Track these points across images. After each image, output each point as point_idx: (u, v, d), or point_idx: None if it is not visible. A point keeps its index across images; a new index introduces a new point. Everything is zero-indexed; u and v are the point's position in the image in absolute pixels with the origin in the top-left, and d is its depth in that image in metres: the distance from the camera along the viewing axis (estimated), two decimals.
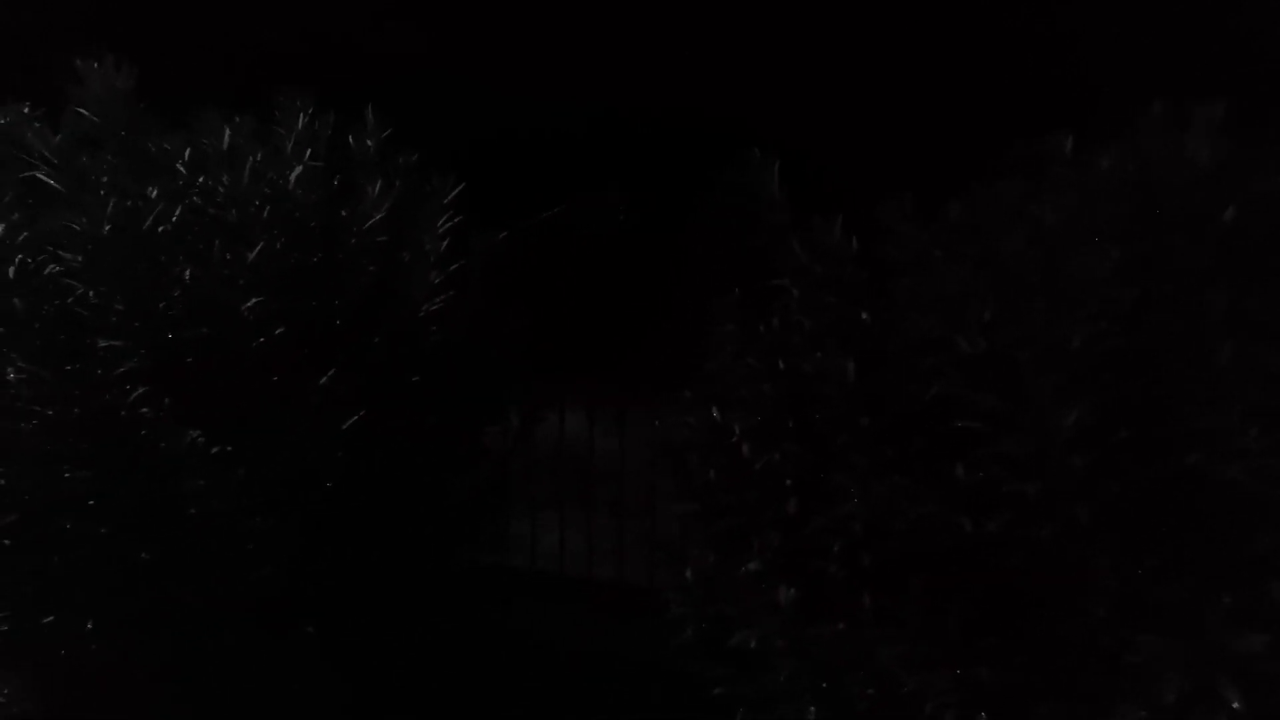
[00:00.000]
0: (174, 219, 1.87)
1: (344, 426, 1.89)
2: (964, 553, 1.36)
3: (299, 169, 1.86)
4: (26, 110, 2.50)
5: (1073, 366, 1.25)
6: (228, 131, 1.88)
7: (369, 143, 2.02)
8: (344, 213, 1.95)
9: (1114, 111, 1.47)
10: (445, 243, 1.99)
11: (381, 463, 2.05)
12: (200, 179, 1.90)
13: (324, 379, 1.86)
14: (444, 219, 2.00)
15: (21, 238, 1.84)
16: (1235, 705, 1.08)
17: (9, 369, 1.83)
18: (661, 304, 2.37)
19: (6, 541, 1.94)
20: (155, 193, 1.87)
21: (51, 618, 1.97)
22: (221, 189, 1.85)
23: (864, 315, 1.47)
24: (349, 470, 1.97)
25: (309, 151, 1.92)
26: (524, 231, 2.34)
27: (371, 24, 2.76)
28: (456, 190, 2.01)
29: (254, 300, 1.77)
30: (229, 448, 1.80)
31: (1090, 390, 1.24)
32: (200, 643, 1.99)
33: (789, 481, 1.57)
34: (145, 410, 1.79)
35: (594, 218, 2.58)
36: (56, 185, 1.90)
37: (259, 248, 1.78)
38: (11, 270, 1.82)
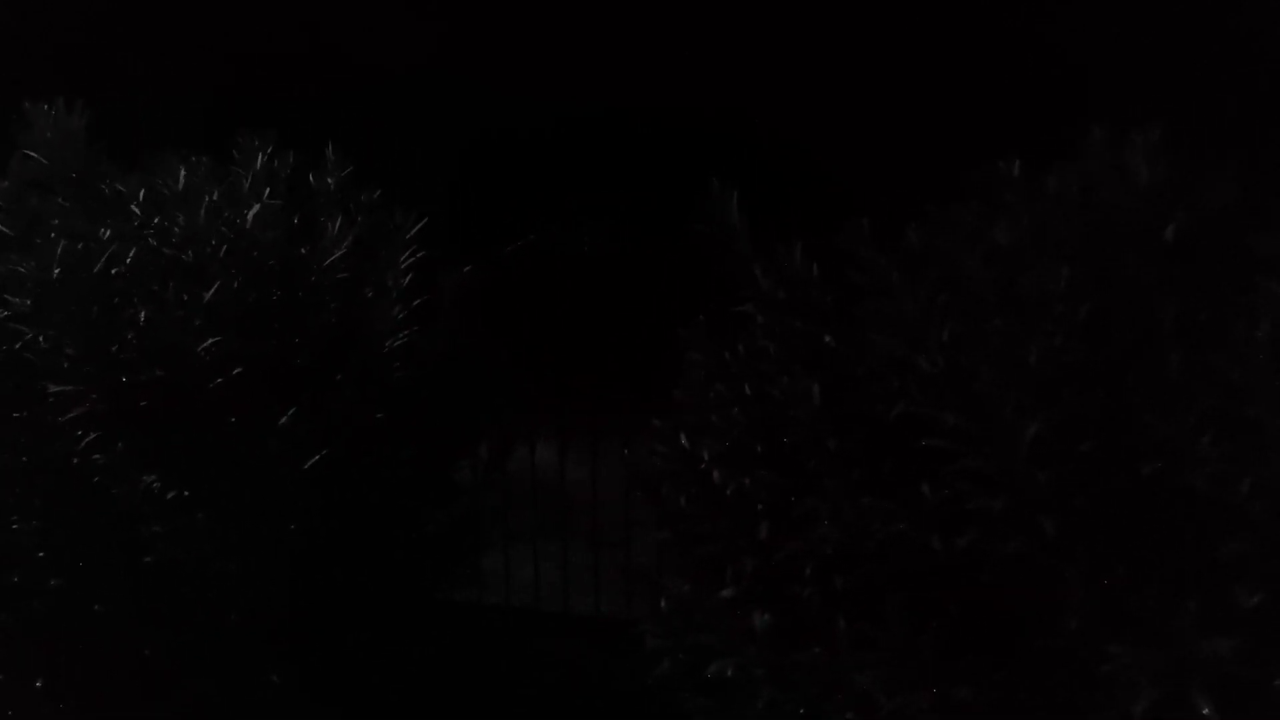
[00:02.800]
0: (128, 260, 1.83)
1: (305, 467, 1.85)
2: (936, 571, 1.36)
3: (256, 207, 1.84)
4: None
5: (1032, 381, 1.27)
6: (183, 171, 1.85)
7: (329, 180, 2.01)
8: (304, 250, 1.93)
9: (1063, 134, 1.53)
10: (409, 278, 1.98)
11: (348, 502, 2.01)
12: (155, 219, 1.87)
13: (284, 419, 1.82)
14: (407, 254, 1.99)
15: None
16: (1206, 711, 1.09)
17: None
18: (630, 332, 2.38)
19: None
20: (108, 234, 1.83)
21: (1, 677, 1.89)
22: (177, 229, 1.82)
23: (828, 339, 1.49)
24: (314, 511, 1.92)
25: (267, 190, 1.90)
26: (491, 263, 2.33)
27: (331, 43, 2.76)
28: (419, 225, 2.01)
29: (210, 340, 1.74)
30: (186, 492, 1.75)
31: (1050, 404, 1.26)
32: (166, 695, 1.91)
33: (760, 506, 1.56)
34: (98, 456, 1.73)
35: (561, 247, 2.59)
36: (4, 229, 1.86)
37: (215, 287, 1.75)
38: None
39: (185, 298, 1.75)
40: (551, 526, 2.88)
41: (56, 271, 1.73)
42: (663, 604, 1.72)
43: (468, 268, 2.11)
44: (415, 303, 2.00)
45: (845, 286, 1.52)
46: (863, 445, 1.42)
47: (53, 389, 1.75)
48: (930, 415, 1.32)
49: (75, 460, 1.75)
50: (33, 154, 1.85)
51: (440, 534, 2.36)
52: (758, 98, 2.44)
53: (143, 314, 1.79)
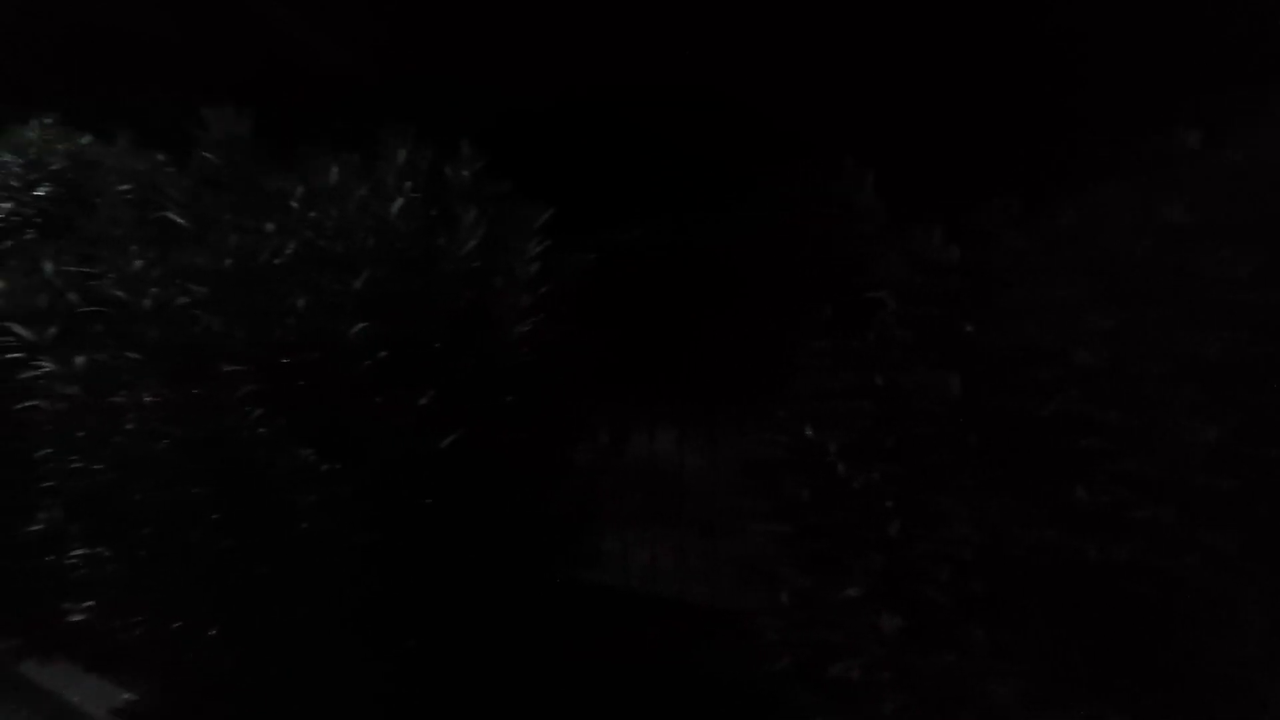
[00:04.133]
0: (288, 252, 1.99)
1: (441, 445, 1.95)
2: (1089, 583, 1.26)
3: (400, 201, 1.95)
4: (160, 157, 2.74)
5: (1209, 378, 1.14)
6: (335, 168, 1.99)
7: (464, 173, 2.09)
8: (441, 241, 2.02)
9: (1245, 100, 1.35)
10: (535, 266, 2.03)
11: (477, 479, 2.10)
12: (311, 213, 2.01)
13: (423, 400, 1.92)
14: (534, 243, 2.04)
15: (156, 273, 2.01)
16: None
17: (144, 393, 1.99)
18: (751, 320, 2.33)
19: (142, 552, 2.11)
20: (271, 228, 2.00)
21: (179, 624, 2.12)
22: (330, 222, 1.96)
23: (968, 327, 1.40)
24: (447, 487, 2.02)
25: (409, 184, 2.01)
26: (613, 251, 2.35)
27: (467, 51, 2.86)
28: (545, 216, 2.06)
29: (359, 326, 1.86)
30: (337, 465, 1.88)
31: (1229, 404, 1.13)
32: (310, 653, 2.08)
33: (889, 503, 1.50)
34: (262, 430, 1.90)
35: (680, 233, 2.57)
36: (184, 224, 2.07)
37: (364, 276, 1.87)
38: (147, 303, 1.99)
39: (337, 286, 1.88)
40: (667, 512, 2.89)
41: (228, 262, 1.91)
42: (783, 597, 1.70)
43: (590, 256, 2.14)
44: (541, 290, 2.06)
45: (987, 271, 1.42)
46: (1007, 442, 1.32)
47: (225, 368, 1.94)
48: (1088, 412, 1.21)
49: (243, 434, 1.92)
50: (208, 155, 2.04)
51: (559, 514, 2.43)
52: (883, 65, 2.28)
53: (301, 301, 1.94)
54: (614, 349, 2.24)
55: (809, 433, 1.54)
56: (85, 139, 3.38)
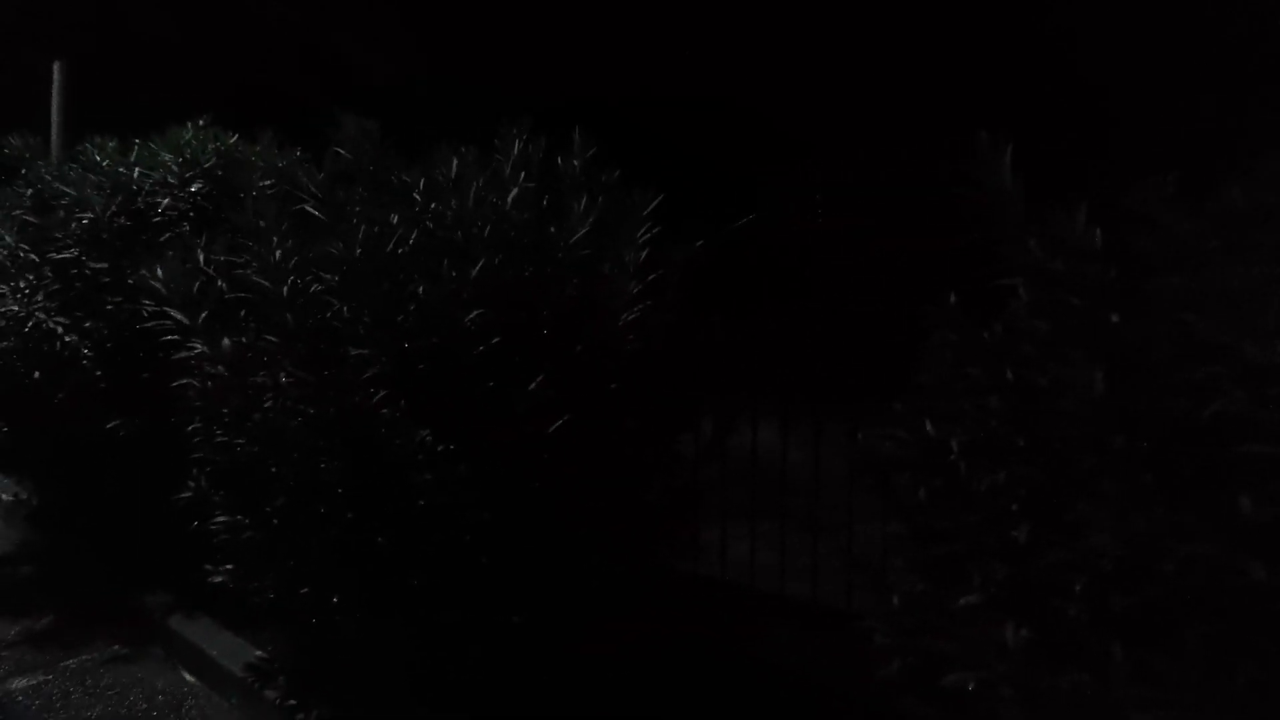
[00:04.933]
0: (410, 242, 2.09)
1: (549, 430, 1.99)
2: (1252, 605, 1.13)
3: (515, 191, 2.01)
4: (299, 154, 2.94)
5: None
6: (455, 161, 2.06)
7: (575, 162, 2.13)
8: (552, 229, 2.06)
9: None
10: (644, 254, 2.04)
11: (582, 464, 2.14)
12: (433, 205, 2.11)
13: (533, 385, 1.97)
14: (643, 231, 2.05)
15: (293, 262, 2.16)
16: None
17: (281, 374, 2.15)
18: (866, 310, 2.24)
19: (275, 521, 2.28)
20: (396, 219, 2.11)
21: (306, 589, 2.27)
22: (450, 213, 2.04)
23: (1114, 318, 1.28)
24: (553, 471, 2.07)
25: (522, 174, 2.06)
26: (722, 238, 2.32)
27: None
28: (655, 203, 2.06)
29: (476, 313, 1.93)
30: (452, 446, 1.97)
31: None
32: (422, 623, 2.18)
33: (1016, 507, 1.40)
34: (385, 411, 2.01)
35: (793, 219, 2.50)
36: (320, 216, 2.21)
37: (480, 264, 1.93)
38: (285, 290, 2.14)
39: (455, 274, 1.96)
40: (769, 507, 2.85)
41: (358, 252, 2.03)
42: (894, 601, 1.63)
43: (699, 243, 2.13)
44: (649, 278, 2.06)
45: (1138, 257, 1.29)
46: (1157, 446, 1.20)
47: (353, 352, 2.06)
48: (1256, 415, 1.08)
49: (368, 413, 2.04)
50: (341, 151, 2.16)
51: (660, 503, 2.43)
52: (1018, 27, 2.12)
53: (421, 289, 2.03)
54: (722, 338, 2.22)
55: (929, 429, 1.46)
56: (233, 138, 3.68)
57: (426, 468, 1.99)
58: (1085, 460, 1.25)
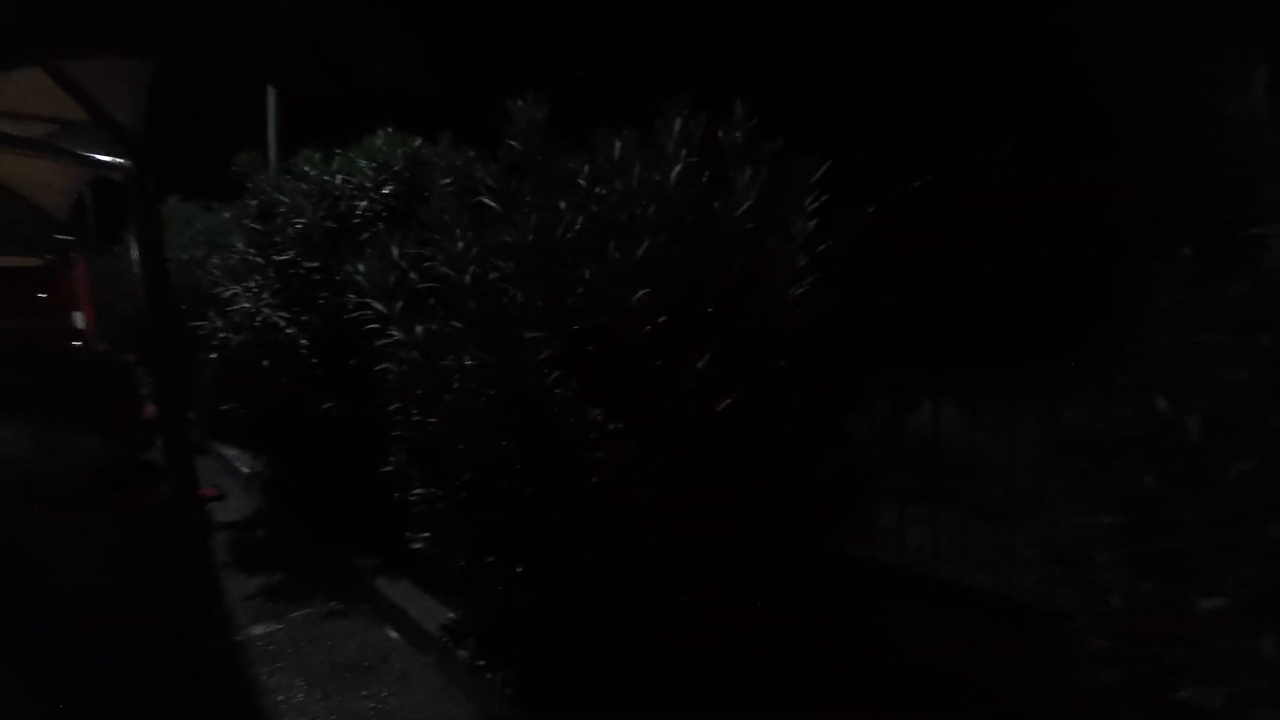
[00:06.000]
0: (577, 226, 2.14)
1: (717, 409, 1.97)
2: None
3: (678, 168, 1.98)
4: (472, 154, 3.12)
5: None
6: (617, 144, 2.08)
7: (737, 134, 2.07)
8: (715, 204, 2.02)
9: None
10: (811, 224, 1.95)
11: (749, 444, 2.09)
12: (597, 189, 2.14)
13: (699, 363, 1.95)
14: (810, 200, 1.95)
15: (473, 252, 2.29)
16: None
17: (466, 357, 2.29)
18: (1072, 270, 1.98)
19: (463, 494, 2.44)
20: (564, 205, 2.16)
21: (491, 558, 2.42)
22: (614, 195, 2.06)
23: None
24: (721, 450, 2.04)
25: (684, 151, 2.03)
26: (896, 202, 2.16)
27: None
28: (822, 170, 1.95)
29: (641, 292, 1.93)
30: (622, 425, 2.00)
31: None
32: (594, 595, 2.25)
33: (1274, 498, 1.18)
34: (558, 391, 2.08)
35: (978, 173, 2.27)
36: (495, 207, 2.33)
37: (645, 244, 1.94)
38: (467, 278, 2.27)
39: (620, 255, 1.98)
40: (953, 491, 2.64)
41: (530, 239, 2.10)
42: (1113, 601, 1.44)
43: (871, 209, 1.99)
44: (818, 249, 1.97)
45: None
46: None
47: (527, 335, 2.15)
48: None
49: (543, 394, 2.12)
50: (513, 144, 2.25)
51: (831, 485, 2.33)
52: None
53: (588, 271, 2.07)
54: (898, 310, 2.07)
55: (1161, 406, 1.26)
56: (417, 142, 3.99)
57: (598, 446, 2.03)
58: None
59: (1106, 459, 1.44)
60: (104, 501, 3.38)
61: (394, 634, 3.34)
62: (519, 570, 2.36)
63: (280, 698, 2.81)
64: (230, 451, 6.51)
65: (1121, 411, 1.33)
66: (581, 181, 2.20)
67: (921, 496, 2.65)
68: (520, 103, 2.21)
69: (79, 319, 9.44)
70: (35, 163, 6.18)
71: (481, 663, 2.69)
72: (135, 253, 4.89)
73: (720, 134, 2.09)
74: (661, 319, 1.95)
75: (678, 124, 2.03)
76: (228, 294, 4.32)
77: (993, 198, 2.16)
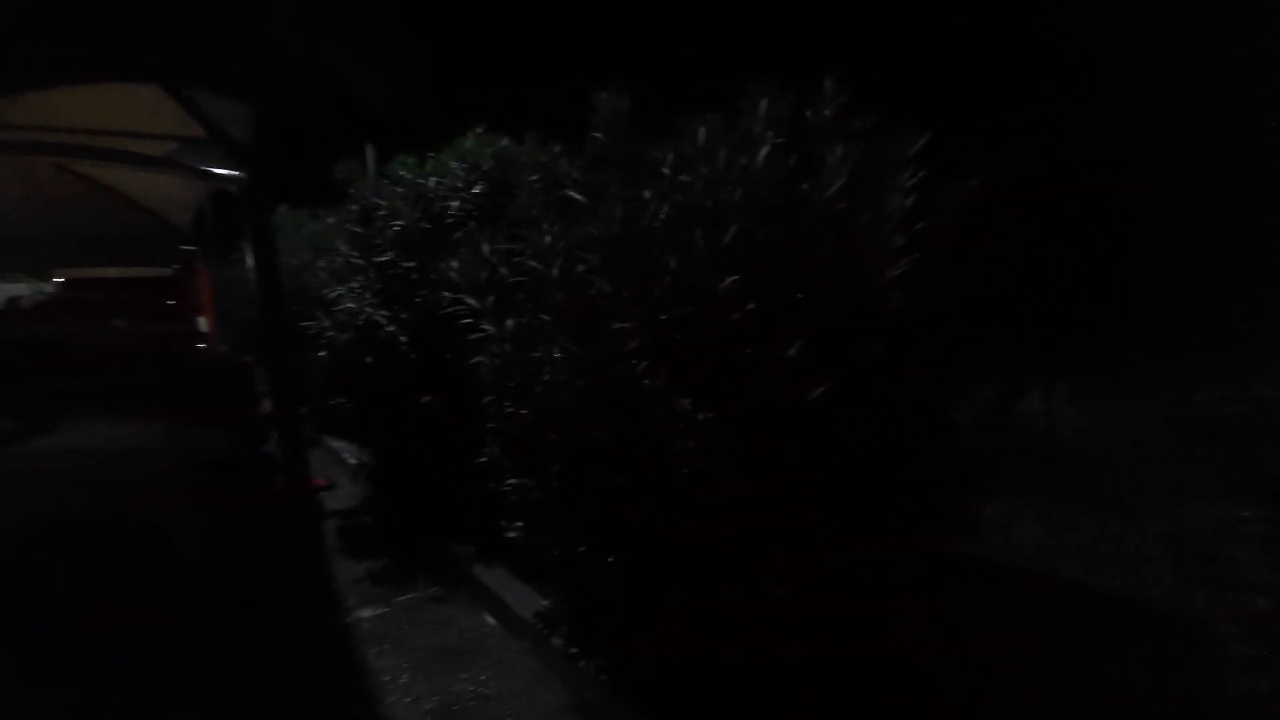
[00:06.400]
0: (662, 215, 2.13)
1: (809, 397, 1.91)
2: None
3: (765, 149, 1.94)
4: (558, 149, 3.16)
5: None
6: (702, 129, 2.05)
7: (826, 112, 2.00)
8: (805, 186, 1.96)
9: None
10: (909, 201, 1.85)
11: (844, 434, 2.03)
12: (681, 176, 2.12)
13: (790, 351, 1.90)
14: (906, 176, 1.86)
15: (560, 245, 2.32)
16: None
17: (555, 349, 2.32)
18: (1202, 248, 1.81)
19: (555, 485, 2.48)
20: (648, 195, 2.16)
21: (583, 548, 2.45)
22: (699, 182, 2.03)
23: None
24: (814, 440, 1.98)
25: (770, 133, 1.98)
26: (1002, 176, 2.04)
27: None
28: (920, 143, 1.86)
29: (729, 280, 1.90)
30: (711, 414, 1.97)
31: None
32: (686, 587, 2.23)
33: None
34: (646, 381, 2.07)
35: (1093, 144, 2.11)
36: (580, 199, 2.35)
37: (732, 230, 1.90)
38: (555, 271, 2.30)
39: (706, 242, 1.95)
40: (1067, 482, 2.47)
41: (616, 230, 2.11)
42: (1258, 602, 1.31)
43: (974, 184, 1.88)
44: (916, 228, 1.87)
45: None
46: None
47: (614, 326, 2.16)
48: None
49: (631, 384, 2.12)
50: (598, 135, 2.26)
51: (933, 476, 2.23)
52: None
53: (673, 260, 2.06)
54: (1004, 291, 1.95)
55: None
56: (504, 141, 4.09)
57: (687, 435, 2.02)
58: None
59: (1248, 446, 1.31)
60: (226, 491, 3.64)
61: (491, 620, 3.44)
62: (610, 560, 2.38)
63: (386, 678, 2.95)
64: (338, 444, 6.89)
65: (1267, 394, 1.20)
66: (666, 170, 2.18)
67: (1032, 488, 2.49)
68: (604, 94, 2.21)
69: (203, 324, 10.25)
70: (161, 178, 6.72)
71: (574, 650, 2.74)
72: (250, 260, 5.24)
73: (808, 113, 2.03)
74: (750, 306, 1.91)
75: (764, 104, 1.98)
76: (333, 295, 4.57)
77: (1113, 168, 2.00)
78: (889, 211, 1.86)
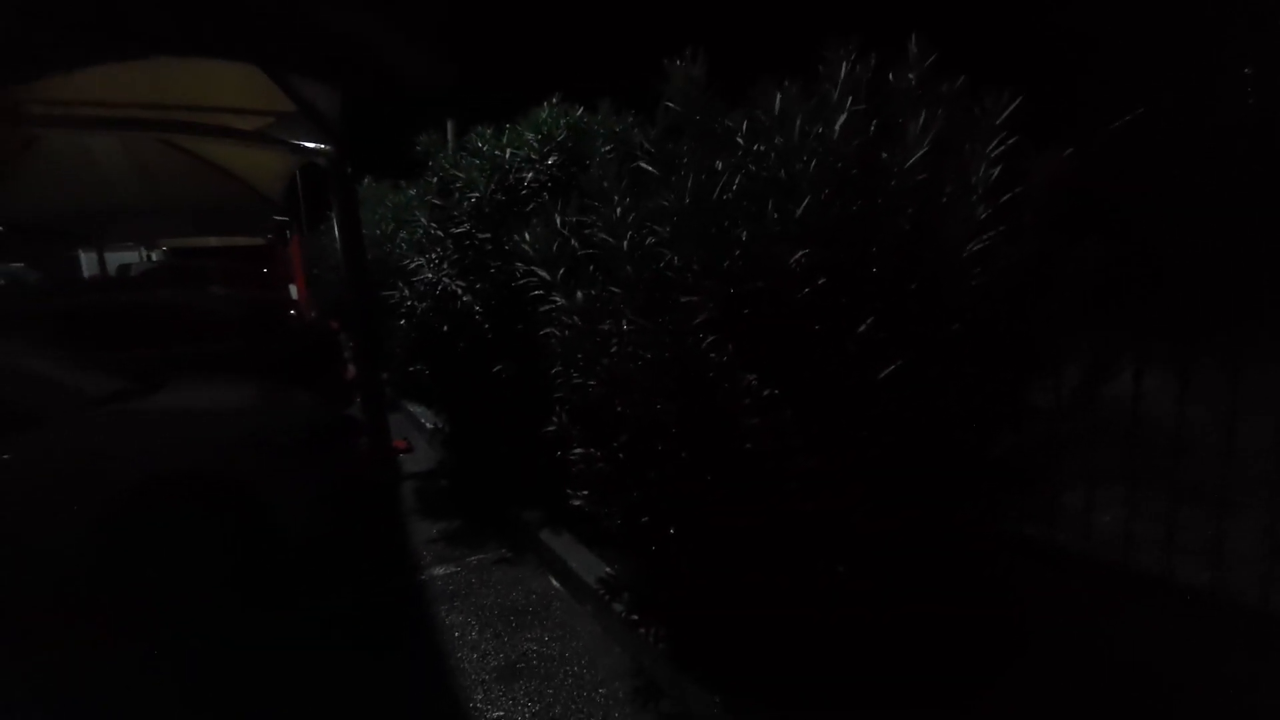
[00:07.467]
0: (734, 186, 2.09)
1: (881, 376, 1.86)
2: None
3: (843, 117, 1.87)
4: (630, 119, 3.13)
5: None
6: (779, 97, 1.99)
7: (911, 75, 1.91)
8: (884, 155, 1.89)
9: None
10: (996, 170, 1.76)
11: (917, 414, 1.97)
12: (756, 146, 2.07)
13: (862, 328, 1.85)
14: (994, 144, 1.76)
15: (631, 217, 2.31)
16: None
17: (624, 321, 2.33)
18: None
19: (621, 456, 2.51)
20: (720, 165, 2.12)
21: (646, 519, 2.47)
22: (773, 152, 1.98)
23: None
24: (885, 419, 1.93)
25: (849, 99, 1.91)
26: (1096, 145, 1.91)
27: None
28: (1010, 108, 1.75)
29: (801, 253, 1.86)
30: (778, 391, 1.94)
31: None
32: (748, 563, 2.23)
33: None
34: (713, 355, 2.06)
35: (1193, 112, 1.95)
36: (652, 170, 2.33)
37: (805, 202, 1.85)
38: (625, 244, 2.30)
39: (778, 215, 1.91)
40: (1154, 471, 2.33)
41: (686, 201, 2.09)
42: None
43: (1067, 152, 1.76)
44: (1002, 199, 1.78)
45: None
46: None
47: (683, 299, 2.14)
48: None
49: (698, 358, 2.11)
50: (670, 104, 2.23)
51: (1009, 461, 2.14)
52: None
53: (744, 233, 2.02)
54: (1096, 266, 1.83)
55: None
56: (579, 111, 4.09)
57: (753, 411, 2.00)
58: None
59: None
60: (314, 451, 3.84)
61: (556, 583, 3.54)
62: (672, 532, 2.40)
63: (457, 634, 3.08)
64: (417, 409, 7.17)
65: None
66: (739, 139, 2.14)
67: (1115, 476, 2.36)
68: (677, 62, 2.18)
69: (294, 291, 10.77)
70: (256, 152, 7.05)
71: (635, 617, 2.78)
72: (337, 230, 5.46)
73: (891, 77, 1.94)
74: (821, 281, 1.87)
75: (843, 69, 1.91)
76: (413, 265, 4.71)
77: (1210, 138, 1.84)
78: (972, 182, 1.77)
